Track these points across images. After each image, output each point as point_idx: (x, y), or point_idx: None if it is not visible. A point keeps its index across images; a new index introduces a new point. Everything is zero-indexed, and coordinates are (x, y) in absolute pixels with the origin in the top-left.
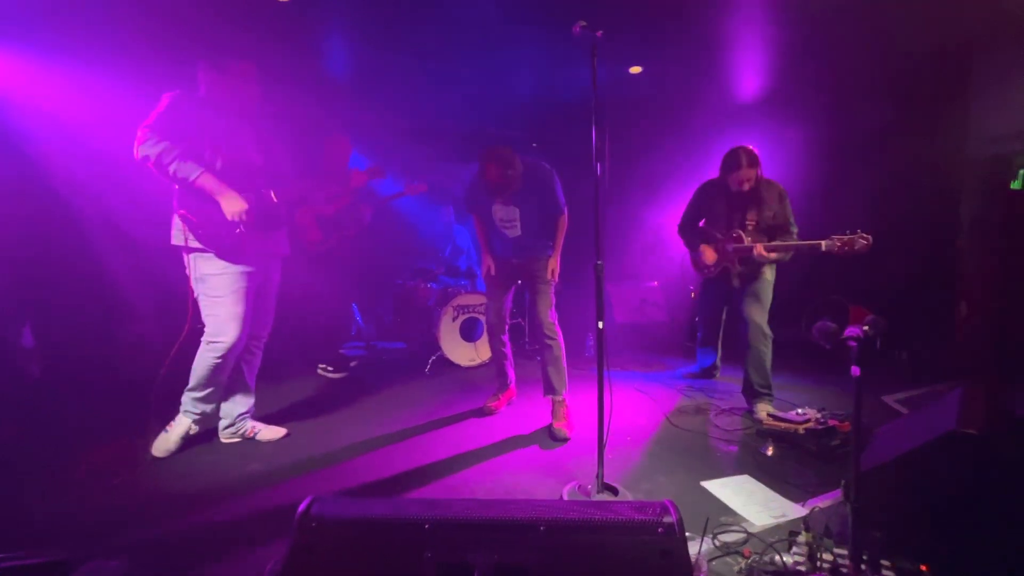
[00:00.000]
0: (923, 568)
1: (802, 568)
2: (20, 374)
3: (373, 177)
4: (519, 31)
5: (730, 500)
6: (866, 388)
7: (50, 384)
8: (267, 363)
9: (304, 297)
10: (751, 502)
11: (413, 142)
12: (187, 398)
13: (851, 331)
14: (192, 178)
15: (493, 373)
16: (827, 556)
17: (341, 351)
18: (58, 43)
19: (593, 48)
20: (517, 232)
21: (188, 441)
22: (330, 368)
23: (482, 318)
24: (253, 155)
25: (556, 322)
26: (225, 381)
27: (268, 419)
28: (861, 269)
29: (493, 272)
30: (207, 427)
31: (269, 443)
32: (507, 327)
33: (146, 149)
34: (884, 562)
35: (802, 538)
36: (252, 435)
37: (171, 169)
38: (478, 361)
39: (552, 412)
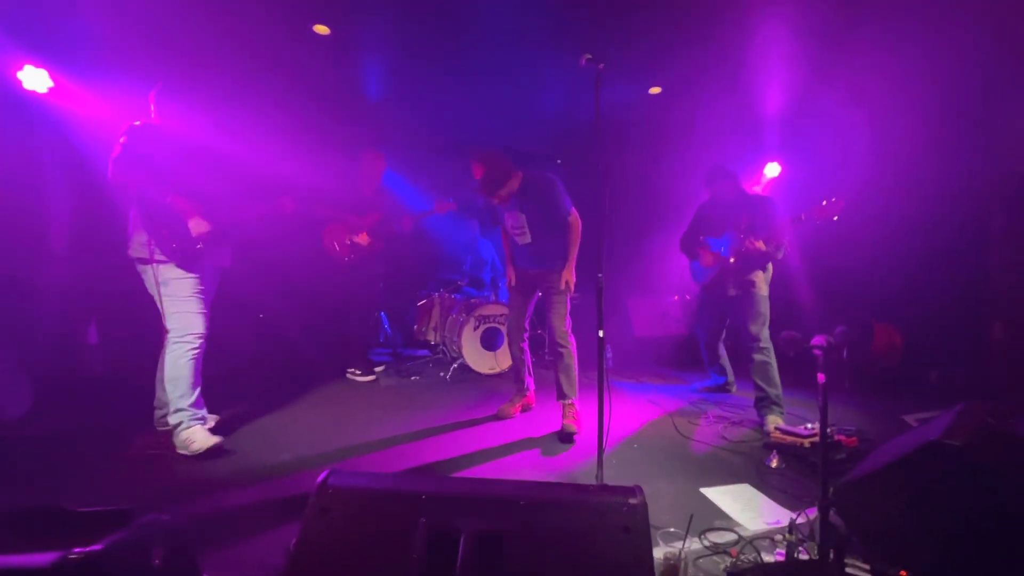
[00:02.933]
0: (902, 574)
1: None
2: (85, 369)
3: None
4: (544, 55)
5: (727, 506)
6: (887, 406)
7: (111, 379)
8: (299, 366)
9: (336, 306)
10: (748, 509)
11: (442, 158)
12: (182, 412)
13: (816, 340)
14: (167, 200)
15: (511, 379)
16: (804, 557)
17: (368, 356)
18: (118, 68)
19: (597, 78)
20: (528, 239)
21: (235, 433)
22: (358, 372)
23: (502, 328)
24: (204, 184)
25: (570, 331)
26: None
27: (297, 418)
28: (895, 287)
29: (514, 282)
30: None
31: (298, 438)
32: (527, 335)
33: (123, 178)
34: (864, 566)
35: (779, 538)
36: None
37: (148, 194)
38: (498, 370)
39: (563, 413)
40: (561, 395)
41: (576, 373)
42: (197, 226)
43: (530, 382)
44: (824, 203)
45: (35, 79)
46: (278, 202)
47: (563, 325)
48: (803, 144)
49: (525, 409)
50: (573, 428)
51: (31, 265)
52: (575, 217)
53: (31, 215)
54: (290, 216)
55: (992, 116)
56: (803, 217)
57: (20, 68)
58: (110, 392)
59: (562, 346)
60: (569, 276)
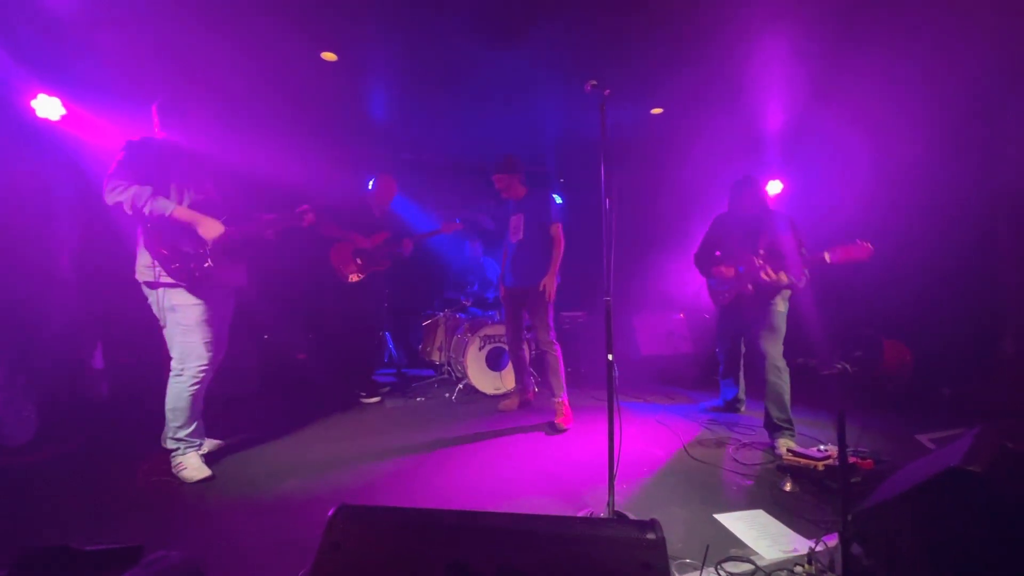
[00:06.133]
0: None
1: None
2: (91, 394)
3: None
4: (548, 80)
5: (742, 533)
6: (900, 425)
7: (117, 404)
8: (304, 387)
9: (341, 326)
10: (763, 536)
11: (447, 178)
12: (179, 441)
13: (833, 367)
14: (168, 212)
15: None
16: None
17: (374, 378)
18: (130, 97)
19: (602, 104)
20: (520, 235)
21: (241, 458)
22: (363, 395)
23: (508, 348)
24: (213, 193)
25: (554, 340)
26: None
27: (301, 441)
28: (903, 303)
29: (502, 294)
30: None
31: (303, 462)
32: (524, 340)
33: (116, 196)
34: None
35: (799, 570)
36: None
37: (146, 210)
38: (503, 390)
39: (555, 412)
40: (551, 394)
41: (562, 371)
42: (209, 228)
43: (530, 382)
44: (852, 244)
45: (48, 107)
46: (297, 211)
47: (547, 335)
48: (804, 162)
49: (524, 403)
50: (562, 427)
51: (39, 289)
52: (559, 229)
53: (40, 240)
54: (308, 228)
55: (994, 131)
56: (828, 258)
57: (34, 96)
58: (116, 416)
59: (546, 350)
60: (549, 282)
